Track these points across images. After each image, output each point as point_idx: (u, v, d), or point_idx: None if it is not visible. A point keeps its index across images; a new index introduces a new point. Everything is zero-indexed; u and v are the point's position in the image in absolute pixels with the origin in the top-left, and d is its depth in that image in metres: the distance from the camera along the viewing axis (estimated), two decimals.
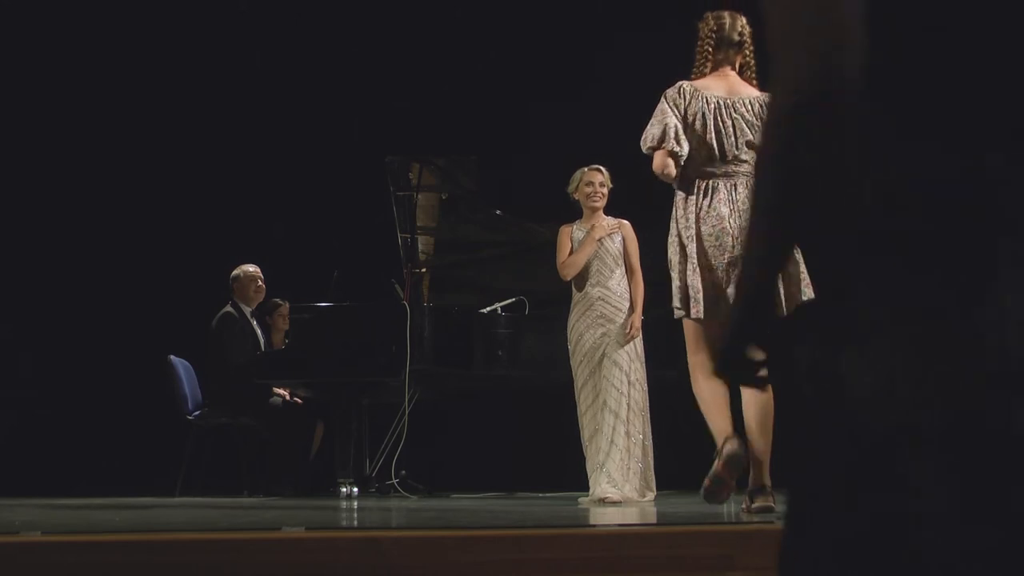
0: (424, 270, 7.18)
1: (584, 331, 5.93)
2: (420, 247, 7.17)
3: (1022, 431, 1.13)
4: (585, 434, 5.89)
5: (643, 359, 5.94)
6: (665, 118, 4.55)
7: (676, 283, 4.55)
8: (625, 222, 6.04)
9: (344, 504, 6.02)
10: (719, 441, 4.46)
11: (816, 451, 1.23)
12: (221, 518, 4.36)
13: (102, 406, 8.29)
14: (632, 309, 5.93)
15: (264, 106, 8.66)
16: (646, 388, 5.93)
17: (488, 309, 7.00)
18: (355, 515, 4.85)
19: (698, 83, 4.64)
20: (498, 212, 7.19)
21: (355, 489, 6.73)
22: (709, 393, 4.52)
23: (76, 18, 8.65)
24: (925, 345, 1.17)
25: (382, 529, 3.40)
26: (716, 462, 4.40)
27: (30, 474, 7.69)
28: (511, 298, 7.03)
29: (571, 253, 5.98)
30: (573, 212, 6.15)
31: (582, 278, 5.97)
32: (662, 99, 4.62)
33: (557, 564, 2.96)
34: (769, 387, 3.96)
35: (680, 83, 4.65)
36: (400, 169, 7.08)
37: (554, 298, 6.44)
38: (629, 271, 5.97)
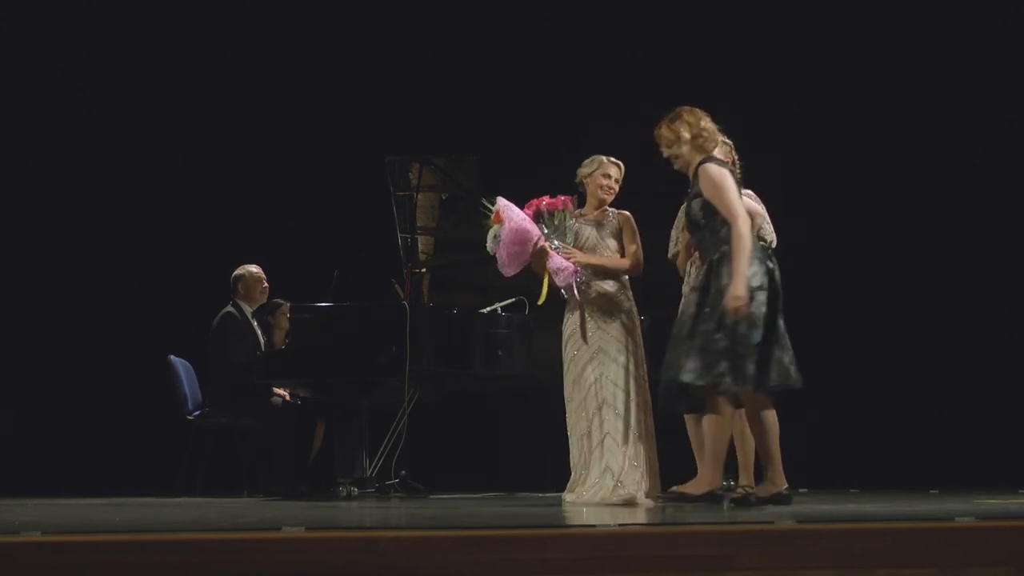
0: (424, 270, 7.17)
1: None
2: (420, 247, 7.16)
3: None
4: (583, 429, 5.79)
5: (638, 356, 5.83)
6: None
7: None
8: (626, 213, 5.93)
9: (344, 504, 6.02)
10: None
11: None
12: (221, 518, 4.36)
13: (102, 406, 8.29)
14: (600, 269, 5.83)
15: (264, 106, 8.66)
16: (645, 382, 5.78)
17: (488, 309, 6.99)
18: (355, 515, 4.85)
19: None
20: None
21: (355, 489, 6.73)
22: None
23: (77, 18, 8.65)
24: None
25: (382, 529, 3.40)
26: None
27: (30, 474, 7.69)
28: (511, 298, 7.02)
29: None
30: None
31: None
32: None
33: (556, 564, 2.97)
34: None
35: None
36: (400, 169, 7.07)
37: (554, 297, 6.42)
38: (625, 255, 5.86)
